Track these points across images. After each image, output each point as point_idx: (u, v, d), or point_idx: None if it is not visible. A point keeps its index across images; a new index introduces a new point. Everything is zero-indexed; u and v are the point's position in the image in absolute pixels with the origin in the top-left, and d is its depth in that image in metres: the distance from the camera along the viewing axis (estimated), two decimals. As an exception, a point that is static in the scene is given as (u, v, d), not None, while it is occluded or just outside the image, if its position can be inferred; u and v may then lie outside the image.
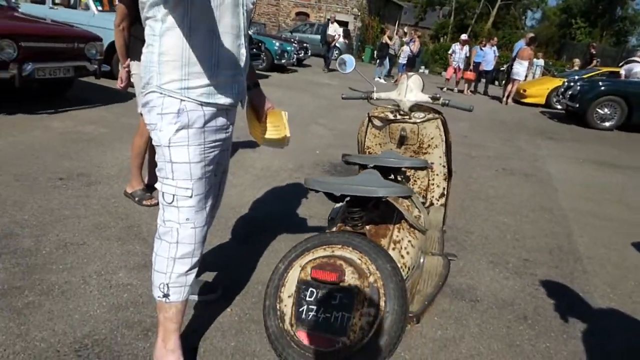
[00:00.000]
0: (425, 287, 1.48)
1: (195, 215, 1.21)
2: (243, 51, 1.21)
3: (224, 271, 1.88)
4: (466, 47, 10.66)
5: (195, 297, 1.62)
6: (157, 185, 1.23)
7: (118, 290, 1.64)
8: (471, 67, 10.68)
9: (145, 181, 2.54)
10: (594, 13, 27.36)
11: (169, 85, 1.11)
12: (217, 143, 1.23)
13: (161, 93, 1.12)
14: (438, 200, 2.04)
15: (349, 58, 1.99)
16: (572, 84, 7.89)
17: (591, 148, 5.69)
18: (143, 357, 1.34)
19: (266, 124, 1.47)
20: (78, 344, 1.36)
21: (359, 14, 19.50)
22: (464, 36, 11.11)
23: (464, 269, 2.14)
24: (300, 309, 1.14)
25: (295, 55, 10.50)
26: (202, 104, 1.15)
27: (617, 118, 7.16)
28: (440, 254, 1.73)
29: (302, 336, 1.12)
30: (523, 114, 8.33)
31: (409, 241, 1.43)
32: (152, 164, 2.50)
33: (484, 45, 10.75)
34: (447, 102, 1.89)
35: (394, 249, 1.37)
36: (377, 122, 2.00)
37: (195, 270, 1.26)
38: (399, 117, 1.93)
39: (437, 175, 2.02)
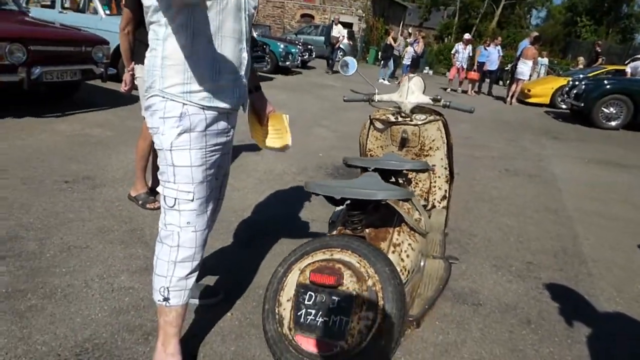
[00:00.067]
0: (426, 290, 1.48)
1: (196, 218, 1.21)
2: (245, 55, 1.22)
3: (226, 275, 1.88)
4: (469, 47, 10.61)
5: (196, 301, 1.63)
6: (158, 189, 1.24)
7: (120, 294, 1.66)
8: (475, 67, 10.63)
9: (149, 184, 2.55)
10: (600, 11, 27.08)
11: (172, 89, 1.12)
12: (218, 146, 1.24)
13: (163, 97, 1.13)
14: (440, 203, 2.03)
15: (351, 60, 2.00)
16: (576, 83, 7.81)
17: (597, 147, 5.63)
18: (144, 361, 1.34)
19: (267, 127, 1.48)
20: (79, 348, 1.37)
21: (364, 15, 19.50)
22: (467, 36, 11.06)
23: (466, 272, 2.13)
24: (299, 313, 1.14)
25: (299, 57, 10.52)
26: (204, 107, 1.15)
27: (624, 117, 7.07)
28: (442, 257, 1.72)
29: (301, 340, 1.12)
30: (527, 114, 8.26)
31: (409, 244, 1.42)
32: (156, 168, 2.51)
33: (488, 45, 10.70)
34: (448, 103, 1.89)
35: (394, 252, 1.36)
36: (378, 125, 2.00)
37: (196, 274, 1.27)
38: (400, 119, 1.93)
39: (439, 177, 2.01)
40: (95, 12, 5.90)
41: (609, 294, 2.07)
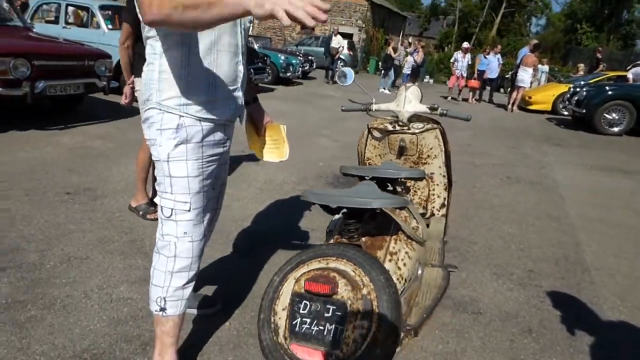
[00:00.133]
0: (424, 299, 1.47)
1: (193, 229, 1.23)
2: (240, 68, 1.24)
3: (225, 285, 1.88)
4: (468, 55, 10.69)
5: (194, 311, 1.63)
6: (156, 200, 1.25)
7: (118, 305, 1.66)
8: (475, 75, 10.69)
9: (150, 196, 2.58)
10: (600, 17, 27.19)
11: (168, 101, 1.15)
12: (215, 157, 1.26)
13: (160, 109, 1.16)
14: (439, 211, 2.03)
15: (348, 71, 2.03)
16: (578, 89, 7.83)
17: (599, 154, 5.61)
18: (141, 372, 1.34)
19: (265, 137, 1.50)
20: (77, 358, 1.37)
21: (363, 26, 19.75)
22: (465, 44, 11.16)
23: (466, 281, 2.11)
24: (294, 322, 1.14)
25: (300, 68, 10.65)
26: (200, 119, 1.17)
27: (626, 123, 7.05)
28: (441, 265, 1.71)
29: (296, 349, 1.12)
30: (529, 121, 8.26)
31: (406, 253, 1.42)
32: (155, 179, 2.54)
33: (488, 54, 10.77)
34: (445, 112, 1.90)
35: (390, 260, 1.36)
36: (376, 134, 2.01)
37: (192, 283, 1.28)
38: (398, 127, 1.94)
39: (438, 185, 2.02)
40: (98, 27, 6.02)
41: (612, 302, 2.04)
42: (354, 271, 1.17)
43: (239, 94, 1.27)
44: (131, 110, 4.40)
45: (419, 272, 1.50)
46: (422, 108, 1.91)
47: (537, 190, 3.76)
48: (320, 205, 1.30)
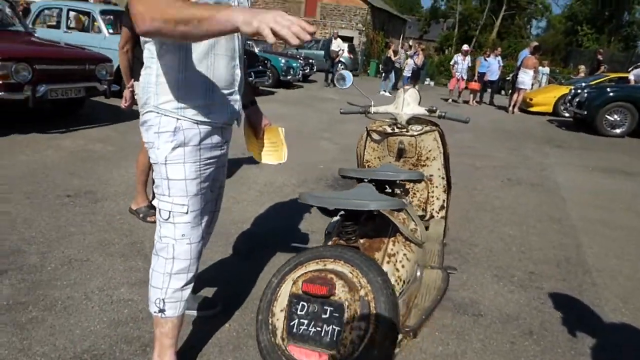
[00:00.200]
0: (423, 301, 1.47)
1: (191, 231, 1.23)
2: (238, 72, 1.25)
3: (225, 286, 1.89)
4: (468, 58, 10.71)
5: (194, 313, 1.63)
6: (154, 202, 1.26)
7: (119, 306, 1.67)
8: (476, 77, 10.70)
9: (150, 198, 2.58)
10: (600, 19, 27.18)
11: (166, 105, 1.16)
12: (212, 160, 1.26)
13: (158, 112, 1.17)
14: (438, 213, 2.03)
15: (347, 74, 2.04)
16: (579, 91, 7.82)
17: (600, 155, 5.60)
18: (140, 374, 1.35)
19: (263, 140, 1.50)
20: (78, 359, 1.38)
21: (364, 29, 19.82)
22: (465, 47, 11.18)
23: (467, 283, 2.11)
24: (292, 323, 1.14)
25: (300, 72, 10.69)
26: (198, 122, 1.18)
27: (628, 124, 7.04)
28: (440, 267, 1.71)
29: (293, 350, 1.12)
30: (530, 123, 8.26)
31: (405, 254, 1.42)
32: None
33: (488, 56, 10.79)
34: (443, 114, 1.91)
35: (388, 262, 1.36)
36: (375, 136, 2.02)
37: (191, 285, 1.28)
38: (396, 130, 1.95)
39: (437, 187, 2.02)
40: (99, 31, 6.07)
41: (614, 304, 2.03)
42: (351, 272, 1.17)
43: (237, 97, 1.28)
44: (131, 114, 4.41)
45: (418, 273, 1.50)
46: (421, 110, 1.92)
47: (538, 192, 3.75)
48: (318, 207, 1.30)
